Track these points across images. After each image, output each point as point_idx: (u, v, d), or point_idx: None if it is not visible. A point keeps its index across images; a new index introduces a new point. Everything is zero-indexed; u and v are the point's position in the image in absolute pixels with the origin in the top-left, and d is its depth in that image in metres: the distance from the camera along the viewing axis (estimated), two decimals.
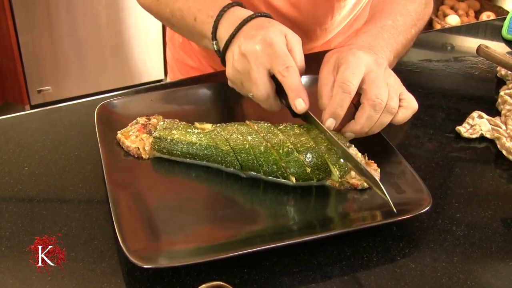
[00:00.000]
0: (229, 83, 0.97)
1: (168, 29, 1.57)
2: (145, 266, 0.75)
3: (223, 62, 0.98)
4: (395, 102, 0.92)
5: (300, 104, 0.89)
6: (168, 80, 1.60)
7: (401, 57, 1.08)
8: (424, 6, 1.13)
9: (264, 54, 0.89)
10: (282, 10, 1.23)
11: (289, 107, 0.93)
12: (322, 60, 0.98)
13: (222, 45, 0.96)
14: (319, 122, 0.92)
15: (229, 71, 0.95)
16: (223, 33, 0.96)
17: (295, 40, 0.93)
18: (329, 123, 0.91)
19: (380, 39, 1.01)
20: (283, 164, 0.90)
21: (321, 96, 0.94)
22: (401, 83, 0.96)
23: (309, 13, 1.25)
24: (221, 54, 0.97)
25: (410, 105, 0.95)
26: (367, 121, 0.91)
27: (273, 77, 0.91)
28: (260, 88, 0.90)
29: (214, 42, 0.98)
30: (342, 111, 0.90)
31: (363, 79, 0.91)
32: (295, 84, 0.89)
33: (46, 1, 3.06)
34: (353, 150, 0.93)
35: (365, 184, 0.91)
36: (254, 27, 0.93)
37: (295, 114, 0.94)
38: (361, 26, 1.10)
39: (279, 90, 0.92)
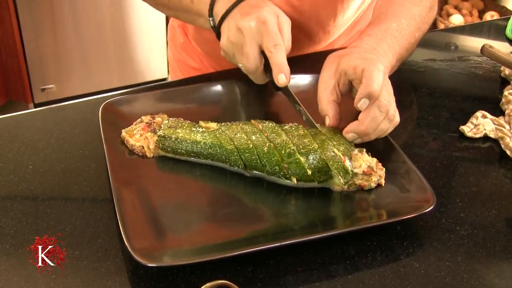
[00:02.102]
0: (222, 53, 1.04)
1: (169, 30, 1.57)
2: (149, 265, 0.75)
3: (218, 37, 1.04)
4: (394, 110, 0.93)
5: (282, 78, 0.97)
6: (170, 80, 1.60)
7: (403, 61, 1.08)
8: (428, 10, 1.13)
9: (258, 31, 0.97)
10: (284, 13, 1.23)
11: (272, 81, 0.99)
12: (324, 63, 0.99)
13: (218, 19, 1.02)
14: (296, 98, 1.00)
15: (223, 42, 1.01)
16: (219, 9, 1.02)
17: (285, 21, 1.01)
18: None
19: (383, 42, 1.02)
20: (285, 165, 0.90)
21: (321, 100, 0.97)
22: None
23: (312, 16, 1.25)
24: (217, 29, 1.04)
25: (395, 119, 0.95)
26: (372, 122, 0.91)
27: (262, 52, 0.99)
28: (250, 61, 0.98)
29: (210, 18, 1.04)
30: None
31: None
32: (280, 61, 0.97)
33: (50, 0, 3.06)
34: (367, 156, 0.93)
35: (372, 185, 0.91)
36: (250, 5, 1.00)
37: (277, 88, 1.01)
38: (365, 27, 1.10)
39: (266, 65, 1.00)
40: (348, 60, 0.95)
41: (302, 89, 1.12)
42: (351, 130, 0.93)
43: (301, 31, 1.27)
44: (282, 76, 0.96)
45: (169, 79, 1.61)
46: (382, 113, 0.91)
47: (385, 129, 0.93)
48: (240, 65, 1.01)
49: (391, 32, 1.04)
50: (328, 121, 0.96)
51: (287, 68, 0.97)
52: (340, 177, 0.89)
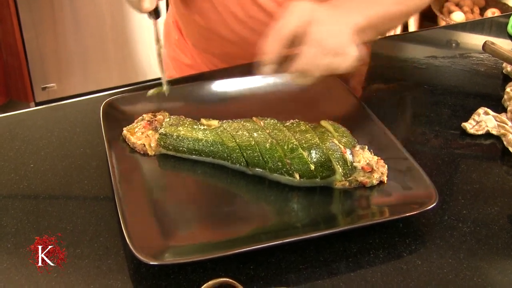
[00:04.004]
0: None
1: (164, 27, 1.57)
2: (151, 263, 0.75)
3: None
4: (340, 45, 0.92)
5: (146, 3, 0.98)
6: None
7: (383, 32, 1.09)
8: None
9: None
10: (270, 10, 1.23)
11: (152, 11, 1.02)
12: None
13: None
14: (159, 34, 1.04)
15: None
16: None
17: None
18: (266, 69, 0.93)
19: (352, 1, 1.01)
20: (287, 161, 0.90)
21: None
22: (352, 33, 0.95)
23: None
24: None
25: (353, 53, 0.93)
26: (310, 59, 0.91)
27: None
28: None
29: None
30: (274, 56, 0.92)
31: (306, 24, 0.91)
32: None
33: None
34: (368, 153, 0.93)
35: (374, 182, 0.90)
36: None
37: (149, 16, 1.02)
38: None
39: None
40: None
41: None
42: (292, 69, 0.93)
43: None
44: (146, 1, 0.98)
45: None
46: (320, 49, 0.90)
47: (333, 64, 0.93)
48: None
49: None
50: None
51: None
52: (339, 166, 0.89)
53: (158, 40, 1.03)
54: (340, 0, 1.01)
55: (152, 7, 0.99)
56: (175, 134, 0.95)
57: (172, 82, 1.07)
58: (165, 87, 1.02)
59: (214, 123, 0.97)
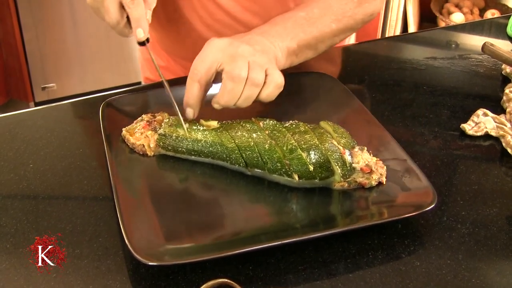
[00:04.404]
0: (90, 7, 1.06)
1: None
2: (150, 263, 0.75)
3: None
4: (258, 75, 0.93)
5: (140, 33, 0.98)
6: (142, 82, 1.60)
7: (324, 49, 1.12)
8: (356, 5, 1.13)
9: None
10: (235, 14, 1.22)
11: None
12: None
13: None
14: (153, 58, 1.03)
15: None
16: None
17: None
18: (188, 112, 0.96)
19: (279, 26, 1.04)
20: (286, 162, 0.90)
21: None
22: (274, 61, 0.98)
23: (264, 17, 1.24)
24: None
25: (273, 80, 0.95)
26: (230, 93, 0.93)
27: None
28: (111, 16, 0.99)
29: None
30: (193, 99, 0.95)
31: (222, 60, 0.94)
32: (138, 16, 0.97)
33: None
34: (367, 154, 0.93)
35: (373, 183, 0.90)
36: None
37: (140, 44, 1.01)
38: None
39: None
40: None
41: None
42: (215, 102, 0.95)
43: None
44: (140, 30, 0.98)
45: (142, 79, 1.61)
46: (238, 83, 0.92)
47: (252, 95, 0.94)
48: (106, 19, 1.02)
49: (295, 19, 1.06)
50: None
51: (144, 22, 0.98)
52: (338, 167, 0.89)
53: (164, 80, 1.02)
54: (271, 24, 1.04)
55: (146, 36, 0.99)
56: (174, 134, 0.95)
57: (176, 82, 1.07)
58: (183, 122, 0.98)
59: (213, 123, 0.97)
